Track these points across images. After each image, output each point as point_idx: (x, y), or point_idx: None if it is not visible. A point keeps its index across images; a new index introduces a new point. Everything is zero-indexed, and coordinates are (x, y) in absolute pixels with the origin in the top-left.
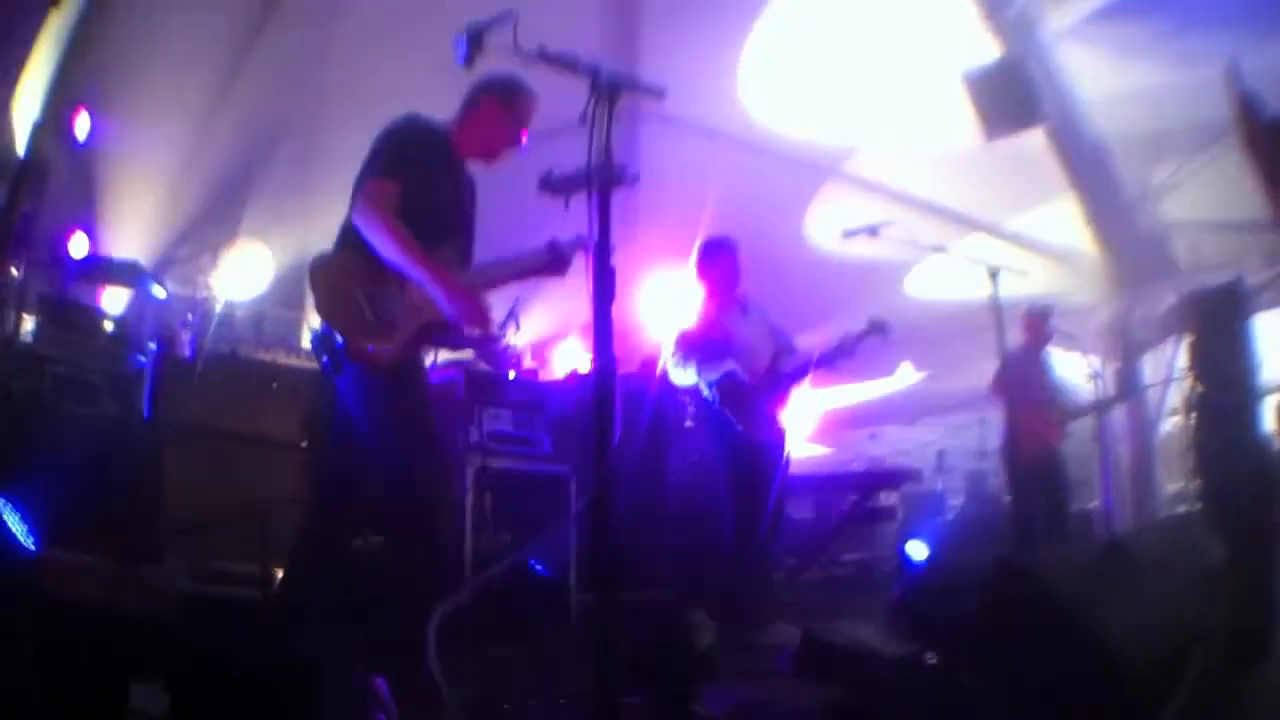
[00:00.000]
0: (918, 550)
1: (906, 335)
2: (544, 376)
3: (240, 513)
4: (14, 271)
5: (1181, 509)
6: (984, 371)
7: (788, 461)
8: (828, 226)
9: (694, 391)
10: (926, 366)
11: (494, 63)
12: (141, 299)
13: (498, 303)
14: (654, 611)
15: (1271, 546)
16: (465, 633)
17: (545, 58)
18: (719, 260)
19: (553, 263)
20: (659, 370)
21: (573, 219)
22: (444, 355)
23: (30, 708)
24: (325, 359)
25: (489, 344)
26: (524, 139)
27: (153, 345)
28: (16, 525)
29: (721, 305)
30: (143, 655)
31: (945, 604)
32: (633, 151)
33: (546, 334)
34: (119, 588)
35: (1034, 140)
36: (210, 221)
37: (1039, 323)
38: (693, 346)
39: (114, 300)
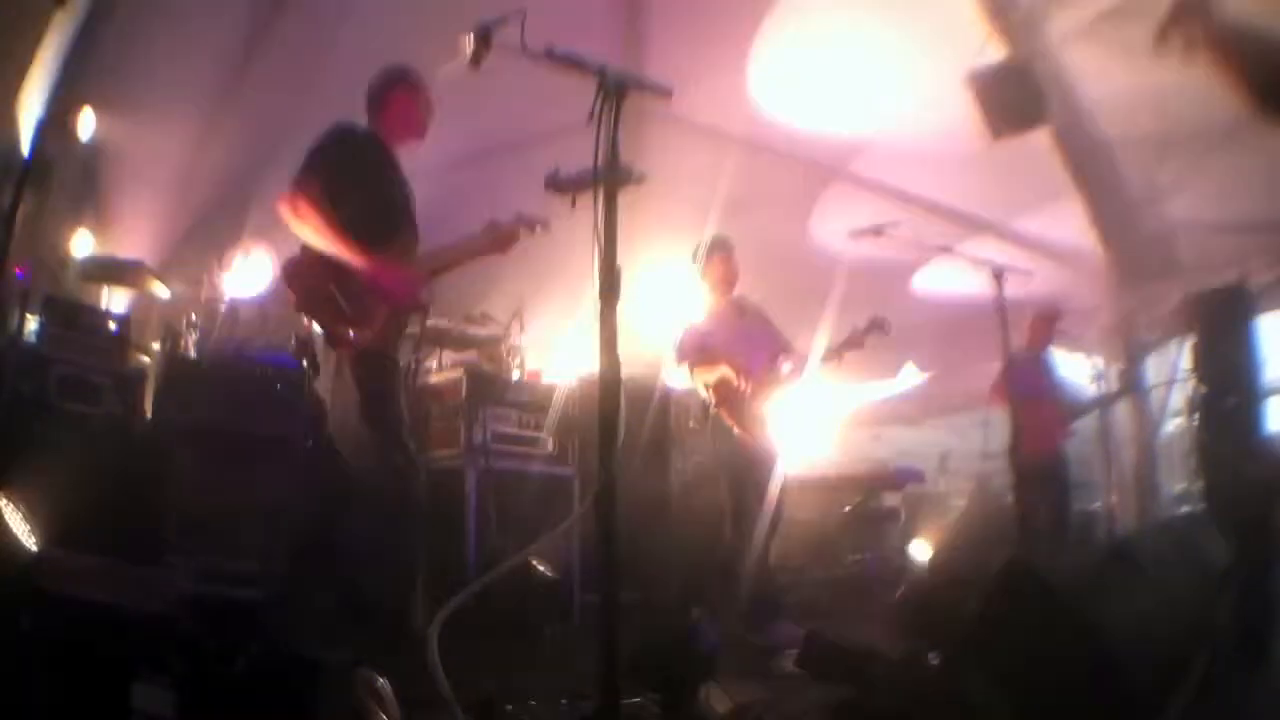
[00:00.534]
0: (921, 551)
1: (911, 336)
2: (548, 377)
3: (243, 512)
4: (17, 271)
5: (1185, 510)
6: (988, 373)
7: (783, 463)
8: (834, 226)
9: (695, 393)
10: (930, 367)
11: (501, 62)
12: (145, 299)
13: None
14: (657, 612)
15: (1275, 547)
16: (468, 633)
17: (553, 57)
18: (716, 260)
19: (495, 242)
20: (662, 371)
21: (581, 218)
22: (449, 355)
23: (32, 707)
24: (305, 362)
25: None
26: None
27: (157, 345)
28: (19, 524)
29: (719, 306)
30: (145, 655)
31: (948, 605)
32: (639, 151)
33: (551, 334)
34: (121, 587)
35: (1040, 140)
36: (215, 221)
37: (1045, 324)
38: (689, 347)
39: (118, 300)
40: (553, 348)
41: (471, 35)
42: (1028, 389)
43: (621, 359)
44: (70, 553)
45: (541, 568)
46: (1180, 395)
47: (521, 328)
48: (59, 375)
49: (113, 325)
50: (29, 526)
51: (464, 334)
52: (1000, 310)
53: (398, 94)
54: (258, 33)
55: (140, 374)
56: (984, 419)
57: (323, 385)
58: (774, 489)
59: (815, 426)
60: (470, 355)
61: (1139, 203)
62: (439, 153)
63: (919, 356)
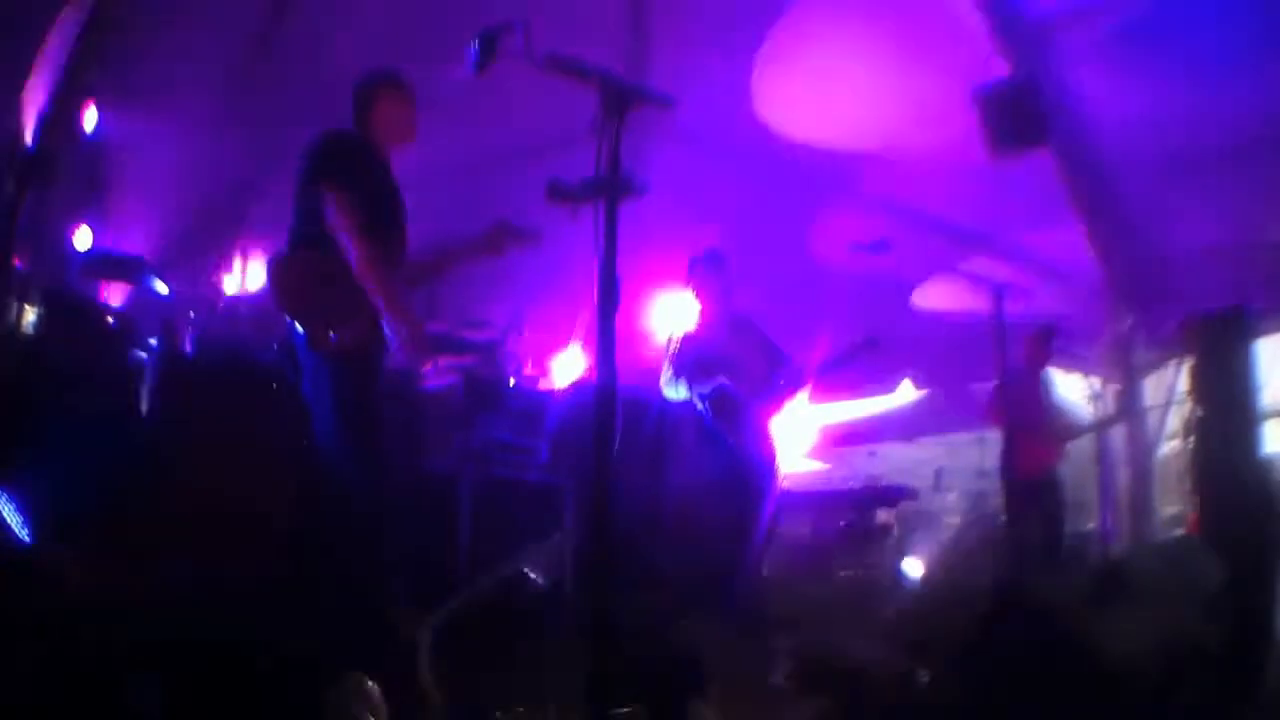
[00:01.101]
0: (913, 568)
1: (908, 352)
2: (545, 385)
3: (239, 509)
4: (18, 264)
5: (1179, 532)
6: (985, 391)
7: (779, 475)
8: (834, 241)
9: (689, 404)
10: (927, 384)
11: (505, 69)
12: (144, 294)
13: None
14: (649, 621)
15: (1269, 569)
16: (459, 639)
17: (557, 65)
18: (710, 272)
19: (484, 247)
20: (658, 381)
21: (581, 227)
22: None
23: (25, 703)
24: (288, 364)
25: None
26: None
27: (155, 341)
28: (13, 519)
29: (714, 318)
30: (139, 651)
31: (940, 622)
32: (640, 162)
33: (548, 342)
34: (116, 583)
35: (1042, 159)
36: (215, 219)
37: (1041, 344)
38: (684, 360)
39: (117, 295)
40: (550, 356)
41: (476, 41)
42: (1022, 409)
43: (618, 369)
44: (65, 547)
45: (533, 576)
46: (1176, 417)
47: (519, 335)
48: (56, 369)
49: (111, 320)
50: (23, 520)
51: (461, 340)
52: (999, 328)
53: (385, 97)
54: (261, 31)
55: (138, 370)
56: (980, 437)
57: (305, 387)
58: (768, 502)
59: (810, 441)
60: (467, 361)
61: (1139, 224)
62: (441, 160)
63: (916, 373)
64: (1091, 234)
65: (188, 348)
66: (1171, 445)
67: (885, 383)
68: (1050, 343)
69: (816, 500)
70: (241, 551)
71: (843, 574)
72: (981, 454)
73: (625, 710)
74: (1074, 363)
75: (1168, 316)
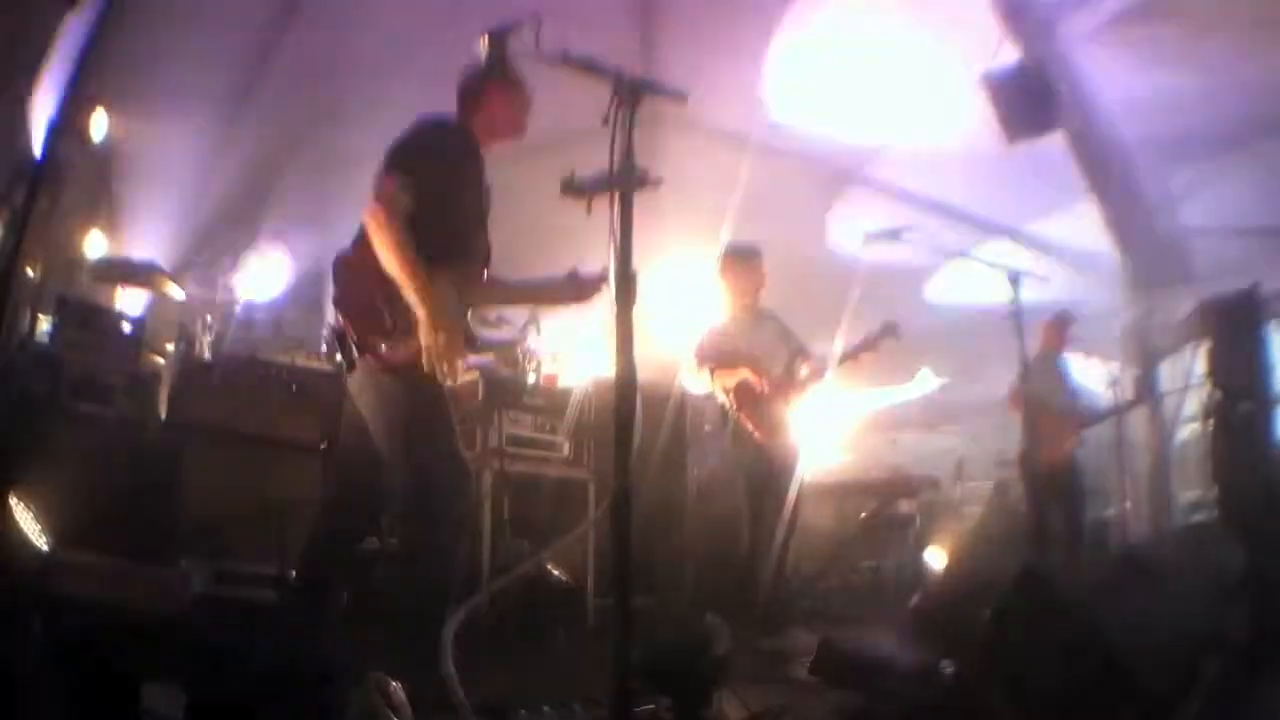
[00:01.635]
0: (935, 558)
1: (927, 341)
2: (564, 381)
3: (257, 515)
4: (30, 271)
5: (1198, 517)
6: (1004, 377)
7: (802, 467)
8: (850, 230)
9: (712, 397)
10: (946, 372)
11: (516, 66)
12: (160, 300)
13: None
14: (670, 617)
15: None
16: (482, 636)
17: (568, 61)
18: (742, 266)
19: (573, 292)
20: (679, 375)
21: (596, 222)
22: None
23: (44, 708)
24: (340, 355)
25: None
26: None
27: (171, 347)
28: (30, 525)
29: (740, 311)
30: (157, 656)
31: (962, 612)
32: (654, 155)
33: (567, 338)
34: (133, 589)
35: (1055, 144)
36: (230, 223)
37: (1059, 329)
38: (710, 350)
39: (132, 301)
40: (569, 351)
41: (487, 38)
42: (1042, 395)
43: (637, 363)
44: (83, 554)
45: (555, 572)
46: (1195, 401)
47: (538, 331)
48: (71, 376)
49: (126, 326)
50: (41, 527)
51: (480, 338)
52: (1017, 315)
53: (495, 90)
54: (272, 34)
55: (154, 375)
56: (1000, 425)
57: (354, 383)
58: (793, 494)
59: (831, 432)
60: (486, 359)
61: (1154, 207)
62: None
63: (935, 362)
64: (1107, 218)
65: (205, 353)
66: (1190, 430)
67: (904, 371)
68: (1067, 328)
69: (838, 490)
70: (259, 554)
71: (865, 564)
72: (1002, 442)
73: (649, 706)
74: (1092, 348)
75: (1184, 300)
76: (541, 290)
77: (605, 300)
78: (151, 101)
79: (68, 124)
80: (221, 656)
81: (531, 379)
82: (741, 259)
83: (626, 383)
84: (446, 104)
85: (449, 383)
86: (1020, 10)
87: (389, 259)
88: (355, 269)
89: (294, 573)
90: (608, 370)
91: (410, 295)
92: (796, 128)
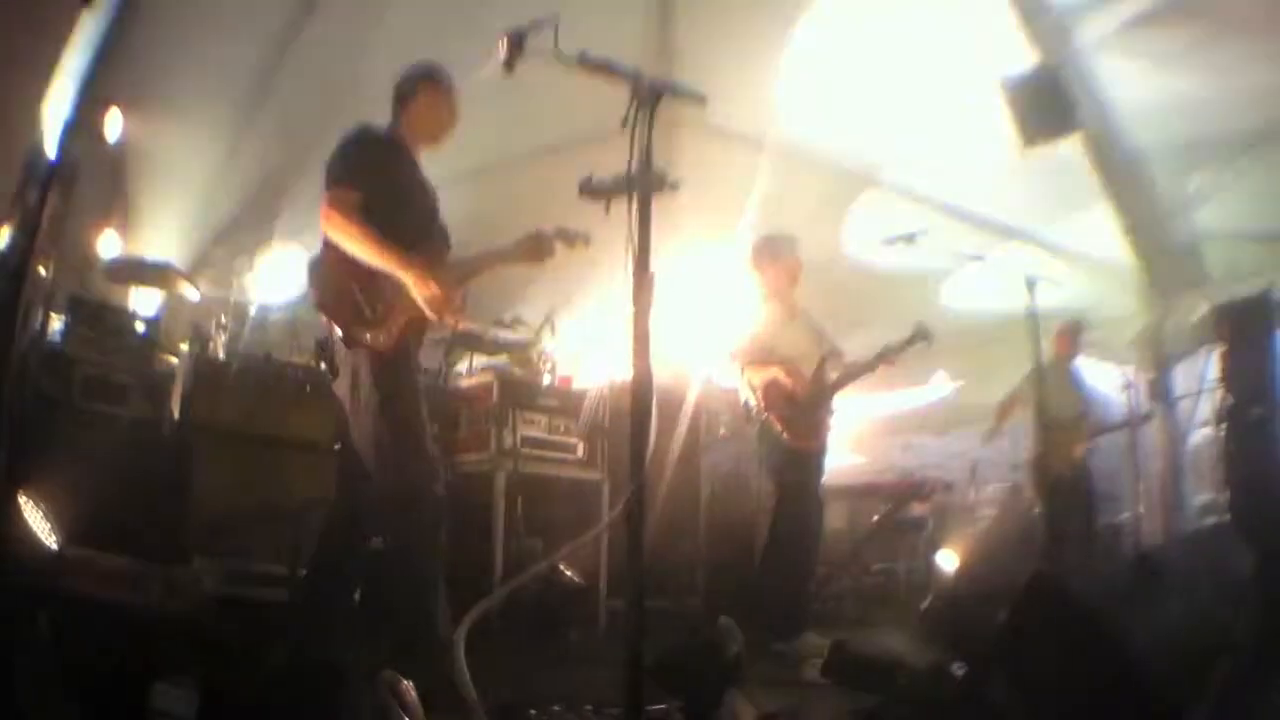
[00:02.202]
0: (948, 561)
1: (942, 344)
2: (579, 382)
3: (269, 515)
4: (42, 271)
5: (1210, 521)
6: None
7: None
8: (866, 234)
9: (739, 396)
10: (961, 376)
11: (535, 67)
12: (174, 300)
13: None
14: (683, 618)
15: None
16: (494, 636)
17: (587, 63)
18: (777, 257)
19: (530, 252)
20: (698, 375)
21: (614, 224)
22: (480, 359)
23: (54, 707)
24: (323, 365)
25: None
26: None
27: (185, 347)
28: (41, 524)
29: (776, 305)
30: (169, 655)
31: (974, 615)
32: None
33: (583, 339)
34: (146, 588)
35: (1071, 149)
36: (245, 223)
37: (1070, 337)
38: (744, 345)
39: (146, 301)
40: (584, 353)
41: (505, 40)
42: (1052, 403)
43: (653, 366)
44: (95, 553)
45: (568, 573)
46: (1207, 406)
47: (553, 333)
48: (84, 376)
49: (140, 326)
50: (52, 526)
51: (495, 338)
52: (1032, 319)
53: (423, 93)
54: (288, 33)
55: (168, 375)
56: (1015, 429)
57: (341, 387)
58: (820, 494)
59: (846, 434)
60: (501, 360)
61: (1169, 212)
62: (472, 157)
63: (950, 365)
64: (1121, 222)
65: (219, 353)
66: (1203, 434)
67: (919, 375)
68: (1078, 336)
69: (851, 493)
70: (272, 554)
71: (877, 566)
72: (1015, 446)
73: (661, 707)
74: (1106, 352)
75: (1198, 304)
76: (498, 255)
77: (623, 301)
78: (167, 101)
79: (82, 123)
80: (233, 656)
81: (546, 380)
82: (776, 249)
83: (642, 384)
84: (465, 103)
85: (457, 326)
86: (1037, 15)
87: (358, 249)
88: (328, 270)
89: (304, 572)
90: (623, 372)
91: (391, 267)
92: (813, 131)
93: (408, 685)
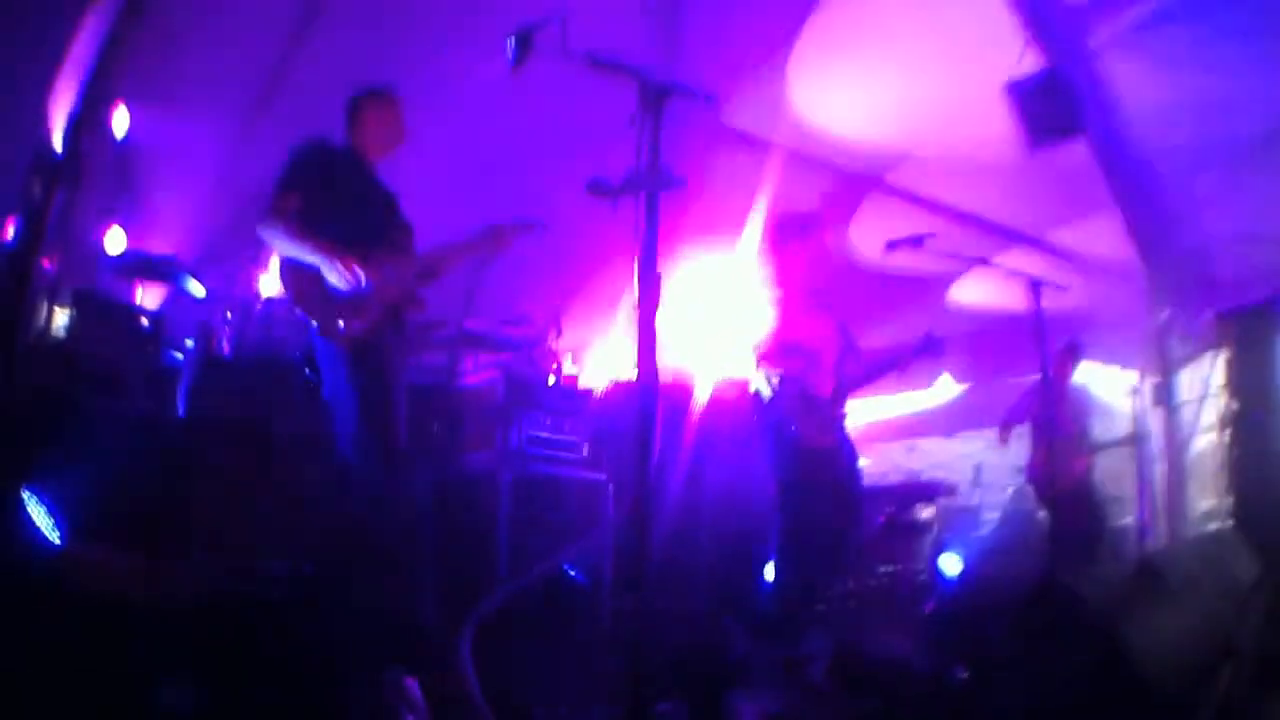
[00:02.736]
0: (952, 564)
1: (947, 347)
2: (584, 382)
3: (273, 511)
4: (49, 266)
5: (1214, 526)
6: (1024, 386)
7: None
8: (871, 237)
9: (754, 391)
10: (966, 379)
11: (543, 65)
12: (179, 296)
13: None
14: (687, 619)
15: None
16: (498, 636)
17: (595, 60)
18: (794, 240)
19: (489, 242)
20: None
21: (622, 224)
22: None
23: (57, 703)
24: (308, 372)
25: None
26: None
27: (190, 342)
28: (43, 519)
29: (792, 294)
30: (172, 652)
31: (978, 619)
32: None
33: (588, 339)
34: (148, 584)
35: (1076, 152)
36: (251, 220)
37: (1067, 358)
38: (762, 339)
39: (151, 296)
40: (590, 352)
41: (513, 38)
42: (1053, 420)
43: (659, 365)
44: (96, 548)
45: (573, 573)
46: (1212, 410)
47: (559, 332)
48: (89, 370)
49: (145, 321)
50: (54, 521)
51: (501, 337)
52: (1037, 323)
53: (370, 109)
54: (297, 30)
55: (173, 370)
56: (1019, 433)
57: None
58: (843, 492)
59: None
60: (506, 358)
61: (1175, 216)
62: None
63: (955, 368)
64: (1128, 226)
65: (224, 349)
66: (1207, 439)
67: (924, 377)
68: (1076, 357)
69: None
70: (275, 552)
71: (881, 570)
72: (1020, 450)
73: (665, 707)
74: (1111, 356)
75: (1204, 308)
76: (459, 247)
77: (629, 300)
78: (174, 97)
79: (88, 118)
80: (236, 652)
81: (551, 380)
82: (791, 230)
83: (648, 384)
84: (473, 100)
85: (356, 284)
86: (1044, 18)
87: (286, 248)
88: (296, 267)
89: (310, 568)
90: (629, 372)
91: (310, 257)
92: (819, 132)
93: (412, 684)
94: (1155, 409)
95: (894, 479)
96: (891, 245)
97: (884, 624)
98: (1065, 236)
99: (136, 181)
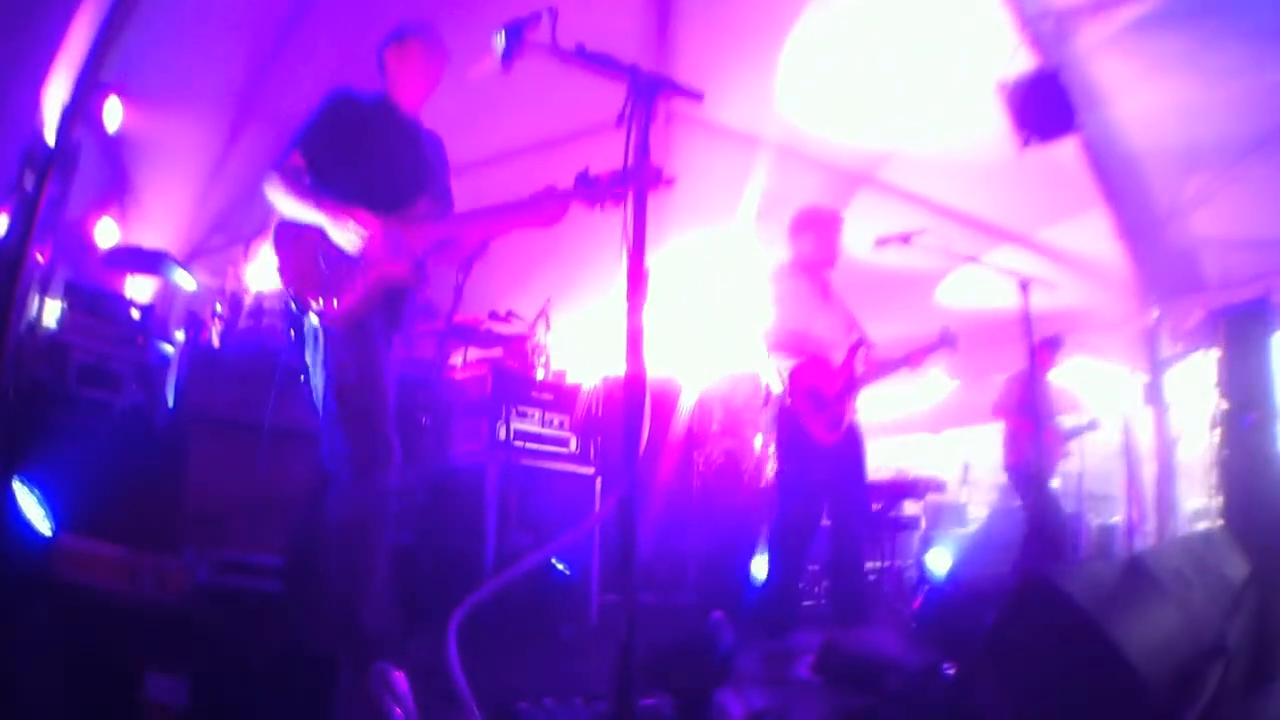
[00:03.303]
0: (939, 561)
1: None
2: (573, 376)
3: (263, 505)
4: (40, 258)
5: (1203, 525)
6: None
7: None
8: (860, 234)
9: (761, 381)
10: (955, 376)
11: (532, 61)
12: (170, 289)
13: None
14: (674, 613)
15: None
16: (485, 631)
17: (584, 57)
18: (823, 234)
19: (536, 213)
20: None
21: (609, 219)
22: (474, 352)
23: (46, 696)
24: (293, 341)
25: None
26: (443, 66)
27: (180, 335)
28: (34, 511)
29: (807, 285)
30: (160, 644)
31: (965, 615)
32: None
33: (577, 333)
34: (139, 577)
35: (1067, 151)
36: (242, 213)
37: (1048, 350)
38: (774, 329)
39: (141, 289)
40: (578, 347)
41: (502, 34)
42: (1030, 410)
43: (646, 360)
44: (87, 541)
45: (560, 567)
46: (1202, 410)
47: (547, 327)
48: (79, 363)
49: (136, 314)
50: (45, 513)
51: (489, 331)
52: (1025, 321)
53: (389, 57)
54: (289, 24)
55: (163, 363)
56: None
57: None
58: (855, 491)
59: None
60: (495, 353)
61: (1164, 216)
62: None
63: (943, 365)
64: (1117, 226)
65: (214, 342)
66: (1197, 439)
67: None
68: (1056, 350)
69: None
70: (263, 546)
71: (868, 566)
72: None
73: (651, 702)
74: (1100, 355)
75: (1194, 308)
76: (499, 214)
77: (617, 296)
78: (166, 88)
79: (81, 110)
80: (225, 646)
81: (540, 374)
82: (817, 222)
83: (635, 379)
84: (463, 92)
85: (367, 243)
86: (1035, 17)
87: (288, 205)
88: (290, 233)
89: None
90: (617, 366)
91: (312, 216)
92: (809, 129)
93: (399, 677)
94: (1144, 408)
95: (882, 475)
96: (881, 241)
97: (871, 620)
98: (1055, 235)
99: (128, 174)
